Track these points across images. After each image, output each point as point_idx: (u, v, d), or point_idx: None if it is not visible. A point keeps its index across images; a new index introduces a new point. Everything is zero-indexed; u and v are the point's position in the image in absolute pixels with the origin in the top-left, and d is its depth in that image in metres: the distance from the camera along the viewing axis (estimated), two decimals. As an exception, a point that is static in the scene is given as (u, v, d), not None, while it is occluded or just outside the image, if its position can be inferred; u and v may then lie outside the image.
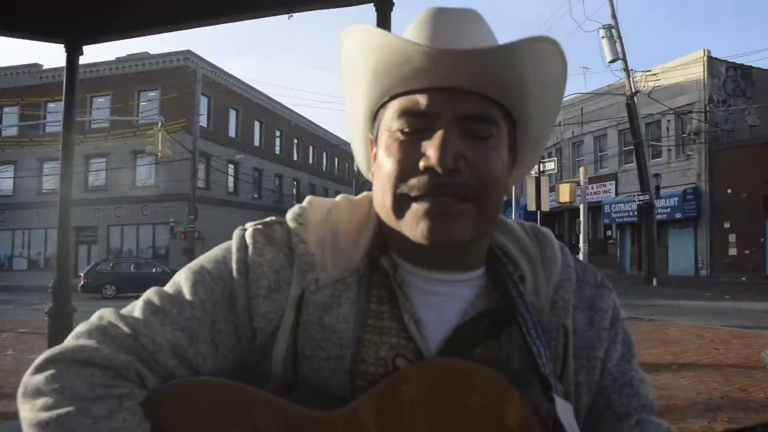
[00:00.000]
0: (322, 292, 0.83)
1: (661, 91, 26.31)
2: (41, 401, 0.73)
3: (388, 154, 0.83)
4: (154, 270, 24.21)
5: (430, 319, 0.84)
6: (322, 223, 0.88)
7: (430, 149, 0.79)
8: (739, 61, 27.86)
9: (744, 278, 22.99)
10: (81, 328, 0.81)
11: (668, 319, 11.82)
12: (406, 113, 0.82)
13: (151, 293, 0.84)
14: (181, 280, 0.85)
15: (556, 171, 15.30)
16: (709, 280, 24.33)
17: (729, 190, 25.06)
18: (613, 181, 29.82)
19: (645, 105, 25.67)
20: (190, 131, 29.68)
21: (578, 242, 14.39)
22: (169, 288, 0.85)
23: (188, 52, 31.86)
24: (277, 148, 42.39)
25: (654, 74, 26.72)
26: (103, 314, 0.82)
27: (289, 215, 0.90)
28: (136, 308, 0.83)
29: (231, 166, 35.96)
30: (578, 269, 0.93)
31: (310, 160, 48.60)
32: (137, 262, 25.94)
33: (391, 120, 0.84)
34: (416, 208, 0.80)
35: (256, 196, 38.99)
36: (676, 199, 26.54)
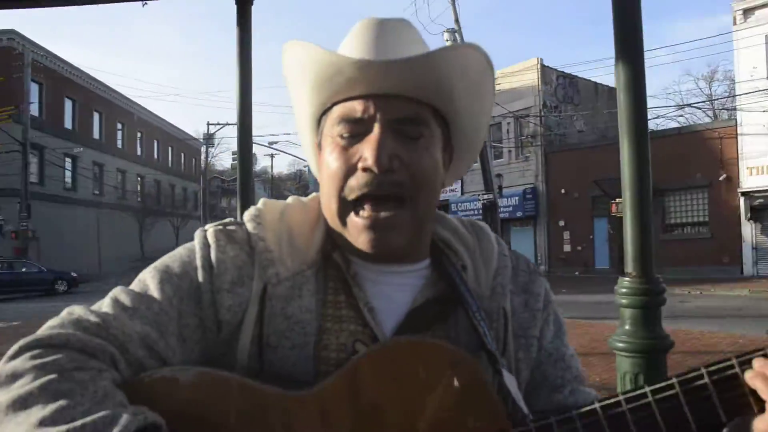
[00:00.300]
0: (283, 285, 0.89)
1: (502, 94, 27.92)
2: (20, 381, 0.74)
3: (330, 159, 0.90)
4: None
5: (383, 307, 0.91)
6: (277, 222, 0.94)
7: (367, 151, 0.86)
8: (567, 70, 30.35)
9: (577, 272, 25.05)
10: (52, 322, 0.83)
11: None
12: (344, 119, 0.89)
13: (117, 291, 0.88)
14: (147, 278, 0.89)
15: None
16: (547, 275, 26.21)
17: (563, 191, 27.19)
18: (459, 181, 31.25)
19: (488, 108, 27.12)
20: (19, 120, 26.99)
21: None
22: (135, 286, 0.89)
23: (13, 32, 28.88)
24: (119, 142, 39.78)
25: (495, 78, 28.26)
26: (73, 310, 0.84)
27: (246, 216, 0.95)
28: (104, 305, 0.86)
29: (68, 160, 33.23)
30: (512, 258, 1.01)
31: (155, 155, 46.09)
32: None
33: (331, 126, 0.92)
34: (356, 222, 0.88)
35: (97, 192, 36.35)
36: (517, 198, 28.38)
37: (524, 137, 29.47)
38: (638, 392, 0.74)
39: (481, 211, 28.26)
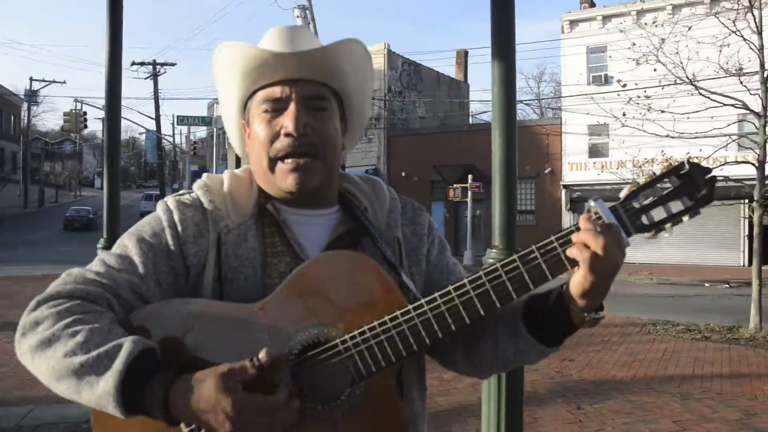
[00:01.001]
0: (232, 233, 1.16)
1: (350, 77, 28.36)
2: (42, 326, 1.01)
3: (259, 129, 1.18)
4: None
5: (307, 243, 1.19)
6: (220, 188, 1.21)
7: (287, 121, 1.15)
8: (412, 58, 31.56)
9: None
10: (58, 281, 1.08)
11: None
12: (267, 100, 1.18)
13: (103, 254, 1.14)
14: (126, 241, 1.15)
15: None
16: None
17: (403, 173, 28.36)
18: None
19: (336, 88, 27.40)
20: None
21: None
22: (116, 248, 1.15)
23: None
24: None
25: (372, 65, 28.60)
26: (71, 271, 1.11)
27: (196, 186, 1.23)
28: (94, 265, 1.12)
29: None
30: (401, 200, 1.32)
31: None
32: None
33: (257, 106, 1.19)
34: (282, 167, 1.16)
35: None
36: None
37: (368, 119, 30.20)
38: (492, 267, 1.06)
39: (324, 189, 28.70)
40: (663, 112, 9.43)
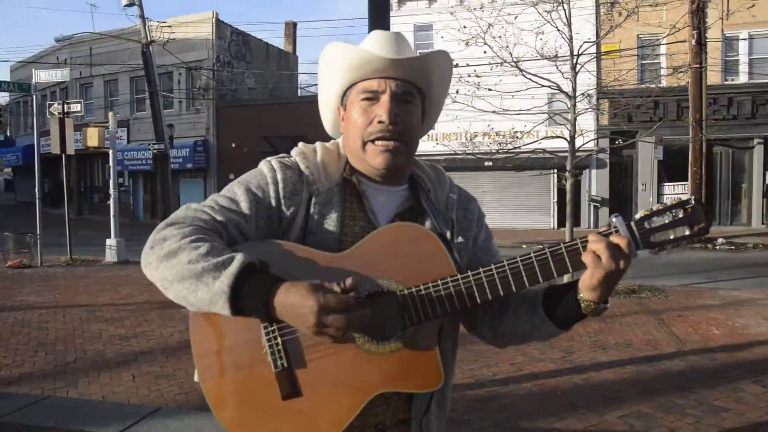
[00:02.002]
0: (321, 195, 1.41)
1: (174, 43, 27.01)
2: (168, 242, 1.27)
3: (356, 115, 1.41)
4: None
5: (380, 211, 1.44)
6: (314, 156, 1.46)
7: (381, 111, 1.38)
8: (241, 28, 30.76)
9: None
10: (178, 211, 1.35)
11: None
12: (365, 90, 1.41)
13: (216, 196, 1.39)
14: (235, 188, 1.40)
15: (82, 113, 14.35)
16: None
17: (233, 144, 27.74)
18: (125, 128, 29.45)
19: (159, 55, 25.99)
20: None
21: (108, 188, 13.99)
22: (226, 192, 1.40)
23: None
24: None
25: (169, 26, 27.22)
26: (189, 205, 1.36)
27: (294, 152, 1.47)
28: (208, 203, 1.37)
29: None
30: (458, 188, 1.57)
31: None
32: None
33: (356, 95, 1.42)
34: (373, 147, 1.40)
35: None
36: (188, 150, 27.96)
37: (196, 89, 29.08)
38: (527, 254, 1.32)
39: (150, 161, 27.29)
40: (490, 90, 10.33)
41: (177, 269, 1.24)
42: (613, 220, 1.28)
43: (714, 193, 21.60)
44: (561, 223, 21.22)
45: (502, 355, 5.98)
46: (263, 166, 1.44)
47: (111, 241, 13.55)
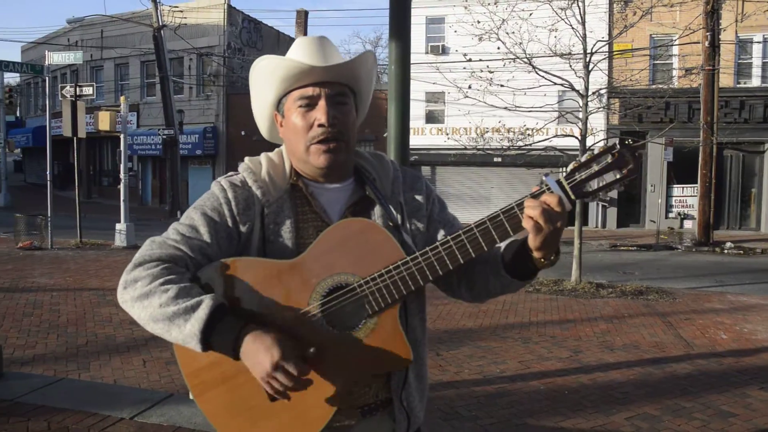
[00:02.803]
0: (272, 205, 1.50)
1: (186, 29, 27.02)
2: (140, 284, 1.36)
3: (296, 120, 1.49)
4: None
5: (331, 209, 1.53)
6: (260, 169, 1.54)
7: (319, 114, 1.46)
8: (253, 15, 30.72)
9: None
10: (144, 247, 1.43)
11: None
12: (301, 98, 1.49)
13: (176, 225, 1.47)
14: (192, 215, 1.48)
15: (93, 96, 14.40)
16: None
17: (243, 132, 27.73)
18: (135, 113, 29.50)
19: (170, 40, 26.00)
20: None
21: (119, 173, 14.02)
22: (185, 220, 1.48)
23: None
24: None
25: (180, 11, 27.21)
26: (154, 239, 1.44)
27: (241, 168, 1.55)
28: (171, 234, 1.45)
29: None
30: (402, 170, 1.64)
31: None
32: None
33: (293, 102, 1.50)
34: (316, 148, 1.48)
35: None
36: (197, 136, 28.00)
37: (207, 75, 29.10)
38: (467, 227, 1.38)
39: (159, 146, 27.35)
40: (502, 86, 10.32)
41: (150, 311, 1.35)
42: (544, 179, 1.35)
43: (723, 196, 21.53)
44: (569, 221, 21.18)
45: (510, 353, 6.02)
46: (214, 187, 1.53)
47: (121, 226, 13.63)
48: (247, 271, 1.42)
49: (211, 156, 28.65)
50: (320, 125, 1.45)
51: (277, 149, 1.61)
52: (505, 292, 1.53)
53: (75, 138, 13.17)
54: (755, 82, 21.46)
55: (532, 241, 1.34)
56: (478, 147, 11.41)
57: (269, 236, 1.47)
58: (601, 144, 13.85)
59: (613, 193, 22.25)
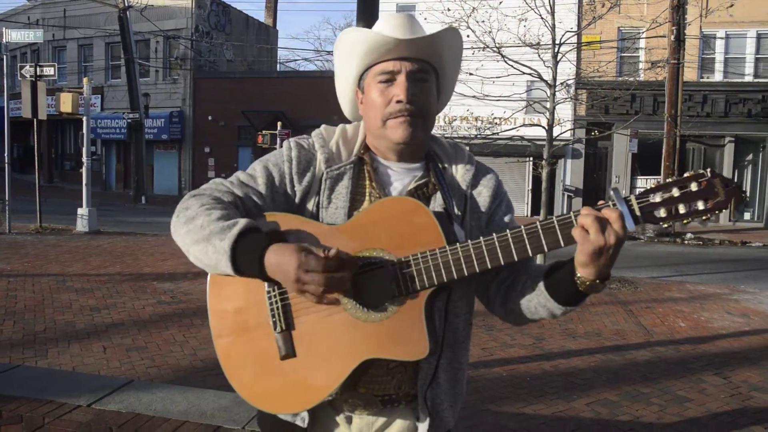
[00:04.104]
0: (333, 172, 1.49)
1: (152, 10, 26.46)
2: (189, 210, 1.40)
3: (375, 95, 1.47)
4: None
5: (391, 187, 1.51)
6: (331, 137, 1.56)
7: (398, 90, 1.44)
8: (221, -2, 30.17)
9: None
10: (205, 185, 1.48)
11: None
12: (382, 72, 1.46)
13: (239, 173, 1.52)
14: (255, 165, 1.52)
15: (55, 77, 14.01)
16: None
17: (210, 117, 27.39)
18: (99, 96, 28.82)
19: (136, 21, 25.41)
20: None
21: (82, 156, 13.69)
22: (249, 169, 1.52)
23: None
24: None
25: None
26: (215, 180, 1.50)
27: (314, 133, 1.56)
28: (232, 178, 1.50)
29: None
30: (478, 165, 1.59)
31: None
32: None
33: (373, 77, 1.48)
34: (393, 122, 1.45)
35: None
36: (163, 120, 27.51)
37: (173, 58, 28.57)
38: (516, 228, 1.30)
39: (125, 130, 26.78)
40: (471, 74, 10.34)
41: (193, 233, 1.37)
42: (611, 193, 1.24)
43: (684, 187, 21.93)
44: (535, 210, 21.46)
45: (474, 340, 6.05)
46: (284, 145, 1.56)
47: (83, 211, 13.33)
48: (290, 225, 1.42)
49: (177, 141, 28.18)
50: (398, 101, 1.42)
51: (355, 122, 1.60)
52: (540, 315, 1.41)
53: (35, 120, 12.81)
54: (717, 77, 21.92)
55: (579, 254, 1.24)
56: (446, 135, 11.41)
57: (323, 202, 1.47)
58: (574, 134, 14.02)
59: (578, 183, 22.46)
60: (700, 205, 1.20)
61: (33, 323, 6.10)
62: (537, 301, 1.39)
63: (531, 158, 15.21)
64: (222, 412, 3.50)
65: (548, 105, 10.07)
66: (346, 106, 1.62)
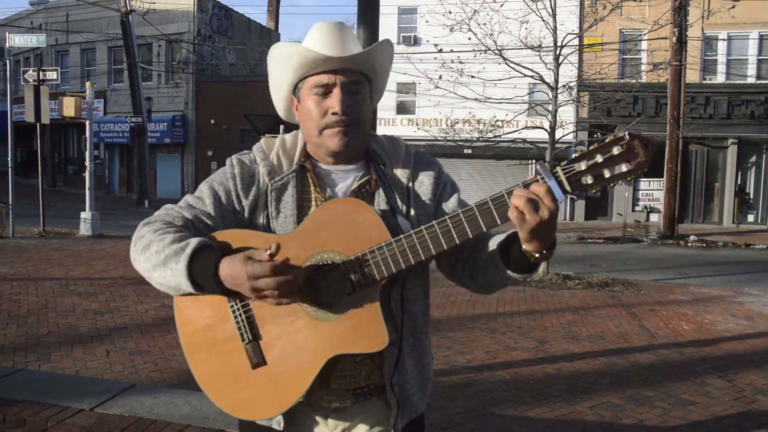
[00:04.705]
0: (277, 183, 1.54)
1: (155, 14, 26.51)
2: (144, 239, 1.45)
3: (311, 106, 1.51)
4: None
5: (335, 190, 1.56)
6: (272, 148, 1.60)
7: (334, 103, 1.49)
8: (223, 2, 30.26)
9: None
10: (158, 211, 1.52)
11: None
12: (317, 85, 1.51)
13: (188, 196, 1.55)
14: (202, 187, 1.56)
15: (58, 81, 14.04)
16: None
17: (212, 121, 27.42)
18: (102, 100, 28.90)
19: (138, 25, 25.47)
20: None
21: (84, 160, 13.72)
22: (197, 192, 1.55)
23: None
24: None
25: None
26: (166, 206, 1.52)
27: (255, 147, 1.60)
28: (182, 203, 1.54)
29: None
30: (416, 155, 1.64)
31: None
32: None
33: (308, 89, 1.52)
34: (329, 132, 1.50)
35: None
36: (166, 124, 27.56)
37: (176, 62, 28.62)
38: (468, 206, 1.35)
39: (128, 134, 26.83)
40: (473, 77, 10.35)
41: (150, 260, 1.41)
42: (537, 167, 1.29)
43: (688, 190, 21.96)
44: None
45: (477, 343, 6.06)
46: (227, 163, 1.59)
47: (86, 214, 13.36)
48: (240, 241, 1.44)
49: (179, 144, 28.23)
50: (334, 113, 1.47)
51: (294, 131, 1.64)
52: (506, 285, 1.49)
53: (38, 124, 12.85)
54: (720, 78, 21.90)
55: (520, 233, 1.30)
56: (449, 138, 11.43)
57: (272, 213, 1.51)
58: (576, 136, 14.08)
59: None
60: (624, 168, 1.24)
61: (36, 327, 6.11)
62: (500, 276, 1.44)
63: (533, 161, 15.22)
64: (224, 416, 3.49)
65: (550, 107, 10.07)
66: (280, 109, 1.67)
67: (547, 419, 4.27)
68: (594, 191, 1.29)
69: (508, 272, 1.41)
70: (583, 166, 1.26)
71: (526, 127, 9.94)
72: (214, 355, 1.51)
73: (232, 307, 1.47)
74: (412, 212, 1.54)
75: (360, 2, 3.73)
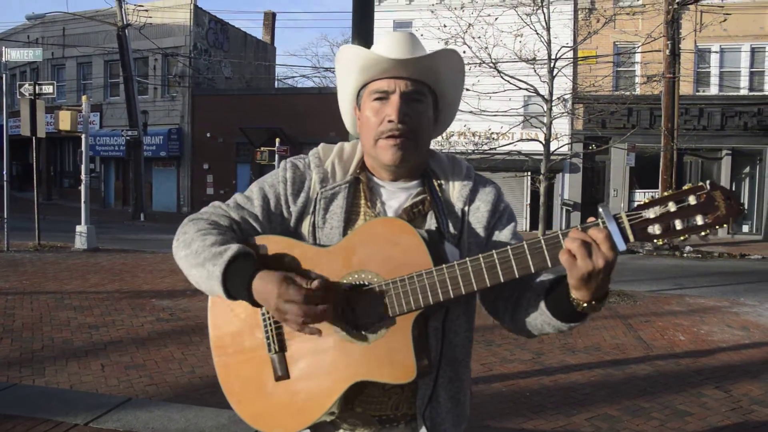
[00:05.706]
0: (328, 192, 1.50)
1: (151, 28, 26.65)
2: (187, 235, 1.44)
3: (369, 114, 1.47)
4: None
5: (387, 206, 1.49)
6: (327, 156, 1.56)
7: (390, 110, 1.43)
8: (219, 15, 30.42)
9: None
10: (206, 207, 1.52)
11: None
12: (376, 91, 1.46)
13: (237, 196, 1.54)
14: (253, 187, 1.54)
15: (54, 95, 14.03)
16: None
17: (208, 134, 27.45)
18: (98, 113, 28.91)
19: (135, 39, 25.58)
20: None
21: (81, 174, 13.70)
22: (247, 192, 1.54)
23: None
24: None
25: (146, 10, 26.82)
26: (214, 203, 1.53)
27: (311, 153, 1.57)
28: (230, 201, 1.53)
29: None
30: (476, 179, 1.56)
31: None
32: None
33: (368, 96, 1.48)
34: (383, 143, 1.44)
35: None
36: (162, 137, 27.56)
37: (172, 76, 28.70)
38: (518, 244, 1.27)
39: (124, 147, 26.83)
40: (468, 90, 10.40)
41: (190, 258, 1.40)
42: (600, 210, 1.18)
43: (682, 200, 21.97)
44: (533, 225, 21.44)
45: (473, 355, 6.02)
46: (281, 165, 1.58)
47: (81, 228, 13.32)
48: (277, 248, 1.43)
49: (175, 158, 28.23)
50: (390, 121, 1.41)
51: (353, 141, 1.60)
52: (546, 331, 1.38)
53: (34, 138, 12.84)
54: (713, 90, 22.04)
55: (569, 279, 1.20)
56: (443, 151, 11.46)
57: (318, 222, 1.47)
58: (571, 148, 14.07)
59: (576, 197, 22.52)
60: (699, 220, 1.11)
61: (31, 341, 6.08)
62: (542, 320, 1.36)
63: (529, 173, 15.28)
64: (220, 430, 3.48)
65: (545, 120, 10.12)
66: (348, 122, 1.63)
67: (544, 431, 4.26)
68: (661, 243, 1.17)
69: (552, 318, 1.32)
70: (651, 214, 1.14)
71: (521, 140, 10.00)
72: (240, 361, 1.50)
73: (263, 315, 1.45)
74: (464, 238, 1.47)
75: (355, 16, 3.76)
